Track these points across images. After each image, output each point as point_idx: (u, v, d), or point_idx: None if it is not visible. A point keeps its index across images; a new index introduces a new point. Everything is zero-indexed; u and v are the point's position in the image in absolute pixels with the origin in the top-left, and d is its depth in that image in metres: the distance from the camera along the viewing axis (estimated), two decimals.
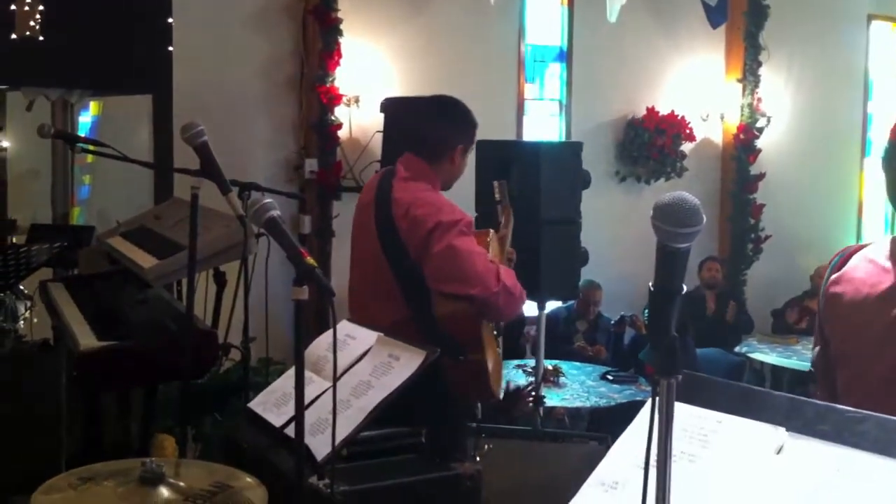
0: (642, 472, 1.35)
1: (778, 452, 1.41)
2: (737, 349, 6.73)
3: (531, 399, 4.40)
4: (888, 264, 1.88)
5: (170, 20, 5.01)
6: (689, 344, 5.68)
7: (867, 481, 1.31)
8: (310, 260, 1.82)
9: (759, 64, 7.69)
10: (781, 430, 1.43)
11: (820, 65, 8.15)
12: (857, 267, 1.94)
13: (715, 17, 6.88)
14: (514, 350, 5.96)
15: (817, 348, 2.07)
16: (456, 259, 2.86)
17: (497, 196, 3.59)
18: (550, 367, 5.44)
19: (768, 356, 6.55)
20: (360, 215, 3.21)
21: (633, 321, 6.09)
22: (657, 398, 1.26)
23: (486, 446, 3.90)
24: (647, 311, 6.25)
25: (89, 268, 4.21)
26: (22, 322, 4.19)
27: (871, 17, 8.63)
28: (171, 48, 5.02)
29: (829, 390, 2.04)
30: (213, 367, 3.32)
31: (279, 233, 1.88)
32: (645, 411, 1.61)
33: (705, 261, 7.26)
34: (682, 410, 1.54)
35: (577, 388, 5.37)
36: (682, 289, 1.24)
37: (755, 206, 7.75)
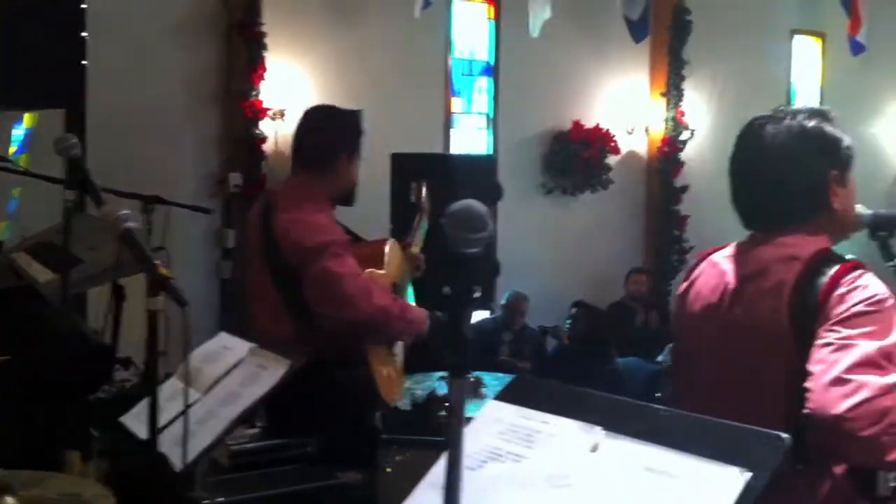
0: (469, 471, 1.40)
1: (593, 451, 1.45)
2: (659, 358, 6.81)
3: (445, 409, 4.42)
4: (726, 268, 1.93)
5: (84, 34, 4.98)
6: (610, 353, 5.75)
7: (671, 478, 1.35)
8: (163, 271, 1.84)
9: (683, 78, 7.84)
10: (598, 429, 1.47)
11: (743, 78, 8.32)
12: (702, 271, 2.00)
13: (637, 31, 7.00)
14: (435, 361, 5.97)
15: (672, 345, 2.13)
16: (328, 282, 2.90)
17: (413, 197, 3.56)
18: (472, 379, 5.47)
19: None
20: (249, 234, 3.26)
21: (556, 332, 6.15)
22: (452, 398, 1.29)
23: (396, 457, 3.91)
24: (568, 321, 6.32)
25: None
26: None
27: (794, 32, 8.83)
28: (84, 62, 4.99)
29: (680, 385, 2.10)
30: (107, 381, 3.30)
31: (133, 245, 1.90)
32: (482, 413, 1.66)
33: (631, 272, 7.34)
34: (512, 412, 1.58)
35: None
36: (476, 292, 1.27)
37: (679, 217, 7.88)
